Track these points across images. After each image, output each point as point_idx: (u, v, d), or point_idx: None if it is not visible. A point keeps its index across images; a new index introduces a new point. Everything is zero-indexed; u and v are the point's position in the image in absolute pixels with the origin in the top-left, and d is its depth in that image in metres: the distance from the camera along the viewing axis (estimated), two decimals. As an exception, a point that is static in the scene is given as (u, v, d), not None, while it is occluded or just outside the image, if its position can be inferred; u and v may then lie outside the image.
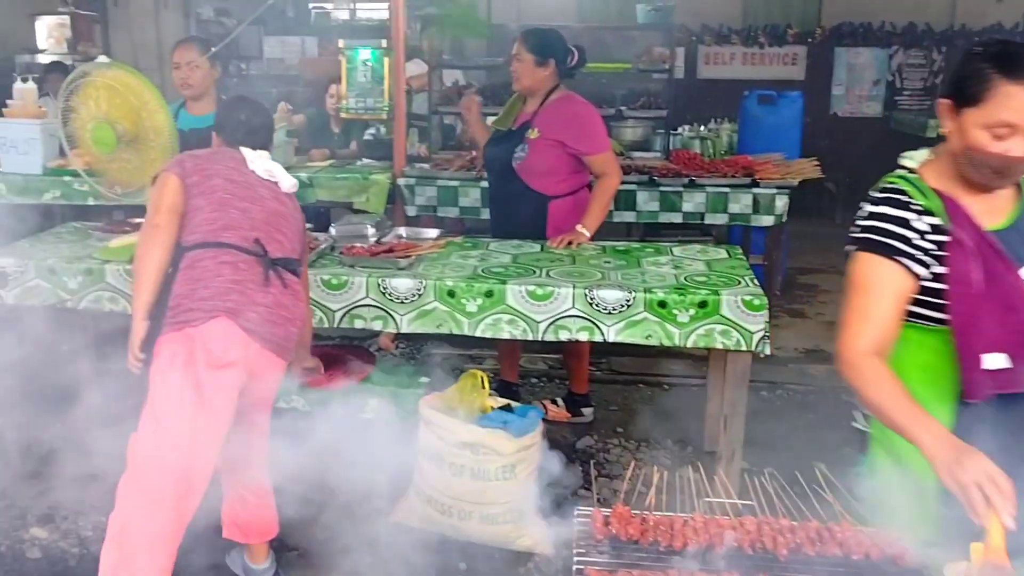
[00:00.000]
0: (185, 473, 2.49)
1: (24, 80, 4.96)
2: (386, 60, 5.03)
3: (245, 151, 2.85)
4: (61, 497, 3.50)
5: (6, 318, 3.34)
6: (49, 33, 9.29)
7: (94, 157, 3.68)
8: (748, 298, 3.16)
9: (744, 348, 3.19)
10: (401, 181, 5.16)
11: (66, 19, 9.13)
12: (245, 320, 2.56)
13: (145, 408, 2.52)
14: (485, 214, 4.82)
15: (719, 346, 3.22)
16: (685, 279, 3.37)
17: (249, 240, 2.66)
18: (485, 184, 4.71)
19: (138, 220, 3.89)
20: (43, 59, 8.82)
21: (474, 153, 5.27)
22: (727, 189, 5.25)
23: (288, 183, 2.89)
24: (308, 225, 3.94)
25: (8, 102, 5.26)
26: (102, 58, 3.78)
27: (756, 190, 5.25)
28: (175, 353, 2.50)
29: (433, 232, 3.97)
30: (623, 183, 5.14)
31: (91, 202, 5.13)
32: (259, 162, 2.82)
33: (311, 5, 10.37)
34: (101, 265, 3.46)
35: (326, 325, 3.40)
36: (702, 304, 3.17)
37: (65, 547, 3.18)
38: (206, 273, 2.57)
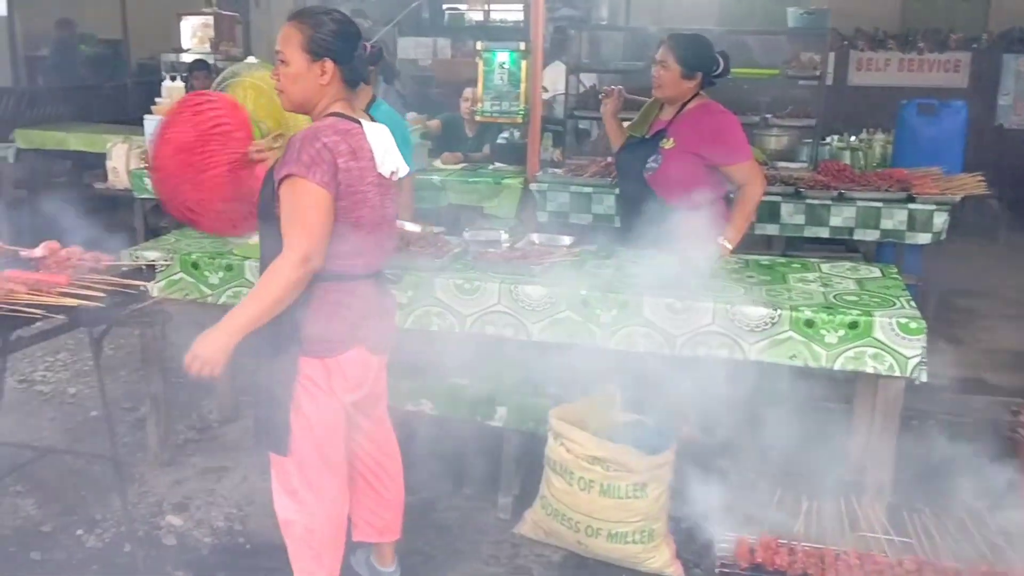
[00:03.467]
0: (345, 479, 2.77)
1: (173, 79, 5.29)
2: (523, 63, 5.11)
3: (371, 141, 2.60)
4: (195, 487, 3.70)
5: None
6: (193, 33, 9.86)
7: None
8: (904, 320, 3.06)
9: (898, 373, 3.08)
10: (533, 186, 5.22)
11: (210, 19, 9.68)
12: (373, 344, 2.69)
13: (298, 425, 2.60)
14: (619, 222, 4.81)
15: (870, 370, 3.12)
16: (835, 298, 3.29)
17: (378, 267, 2.74)
18: (617, 191, 4.71)
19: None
20: (186, 58, 9.36)
21: (609, 159, 5.28)
22: (880, 204, 5.08)
23: (403, 169, 2.74)
24: (441, 229, 4.06)
25: (156, 99, 5.62)
26: (251, 59, 3.98)
27: (912, 206, 5.06)
28: (314, 379, 2.59)
29: (567, 239, 4.00)
30: (767, 193, 5.07)
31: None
32: (387, 159, 2.64)
33: (445, 6, 10.62)
34: (241, 261, 3.64)
35: (456, 330, 3.47)
36: (853, 325, 3.09)
37: (198, 536, 3.36)
38: (339, 307, 2.58)
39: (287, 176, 2.44)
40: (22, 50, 9.88)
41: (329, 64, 2.53)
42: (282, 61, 2.56)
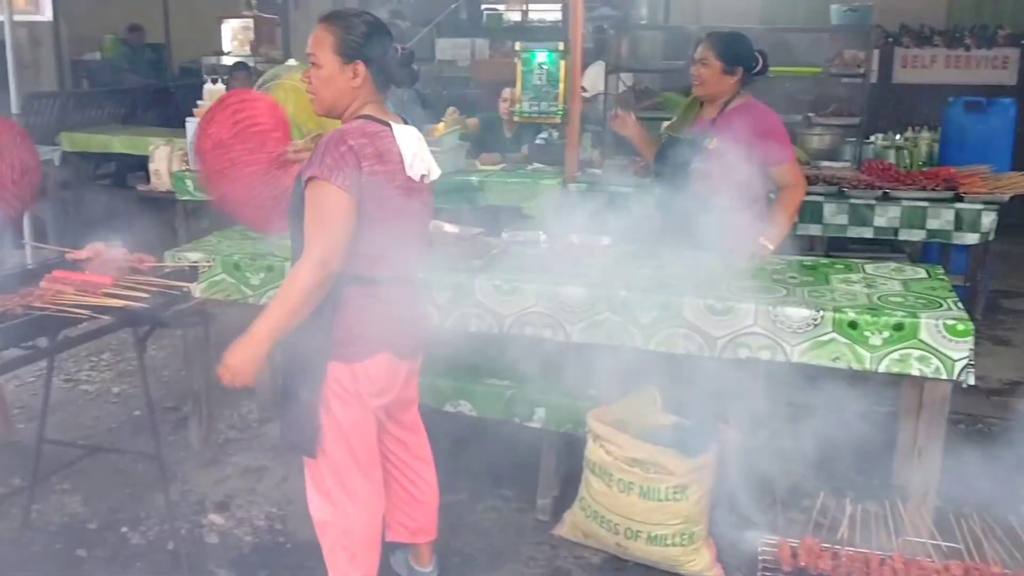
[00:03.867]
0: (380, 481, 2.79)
1: (215, 81, 5.36)
2: (562, 63, 5.11)
3: (400, 144, 2.55)
4: (237, 486, 3.76)
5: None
6: (234, 36, 10.00)
7: (279, 157, 3.92)
8: (951, 322, 3.01)
9: (944, 376, 3.04)
10: (572, 187, 5.21)
11: (250, 22, 9.81)
12: (401, 349, 2.69)
13: (329, 428, 2.61)
14: (659, 222, 4.79)
15: (916, 373, 3.08)
16: (879, 299, 3.25)
17: (407, 271, 2.71)
18: (658, 191, 4.68)
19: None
20: (227, 61, 9.49)
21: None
22: (925, 203, 5.01)
23: (435, 172, 2.74)
24: (479, 229, 4.08)
25: (198, 102, 5.70)
26: (291, 61, 4.03)
27: (959, 205, 4.98)
28: (342, 383, 2.59)
29: (606, 240, 3.99)
30: (809, 193, 5.02)
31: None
32: (416, 162, 2.61)
33: (483, 6, 10.64)
34: (282, 263, 3.68)
35: (495, 331, 3.48)
36: (898, 327, 3.05)
37: (240, 535, 3.41)
38: (365, 311, 2.56)
39: (311, 178, 2.45)
40: (68, 54, 10.09)
41: (361, 66, 2.52)
42: (314, 64, 2.56)
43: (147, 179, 6.45)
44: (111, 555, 3.29)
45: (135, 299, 2.94)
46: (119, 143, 7.43)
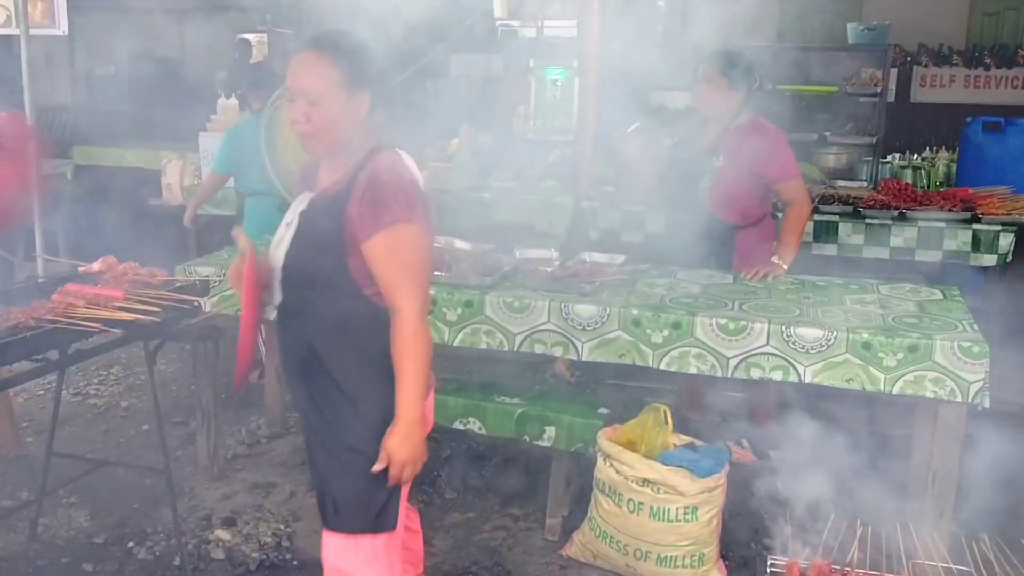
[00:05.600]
0: None
1: (228, 96, 5.43)
2: (576, 80, 5.15)
3: (415, 173, 2.40)
4: (244, 502, 3.78)
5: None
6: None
7: (293, 171, 3.97)
8: (966, 344, 3.02)
9: (959, 399, 3.04)
10: (585, 204, 5.24)
11: (264, 37, 9.91)
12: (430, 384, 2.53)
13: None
14: (670, 241, 4.81)
15: (930, 395, 3.08)
16: (893, 320, 3.26)
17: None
18: (667, 210, 4.71)
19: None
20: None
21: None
22: (942, 224, 5.02)
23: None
24: (490, 246, 4.11)
25: (211, 117, 5.77)
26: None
27: (977, 226, 4.99)
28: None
29: (619, 258, 4.01)
30: (824, 213, 5.05)
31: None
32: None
33: (498, 22, 10.69)
34: (293, 277, 3.71)
35: (506, 348, 3.49)
36: (912, 348, 3.06)
37: (247, 551, 3.42)
38: None
39: (391, 223, 2.20)
40: (82, 68, 10.22)
41: (366, 95, 2.27)
42: (310, 103, 2.24)
43: (159, 193, 6.52)
44: (117, 570, 3.31)
45: (146, 313, 2.98)
46: (132, 157, 7.51)
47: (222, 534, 3.52)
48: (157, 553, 3.41)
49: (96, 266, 3.32)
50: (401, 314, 2.24)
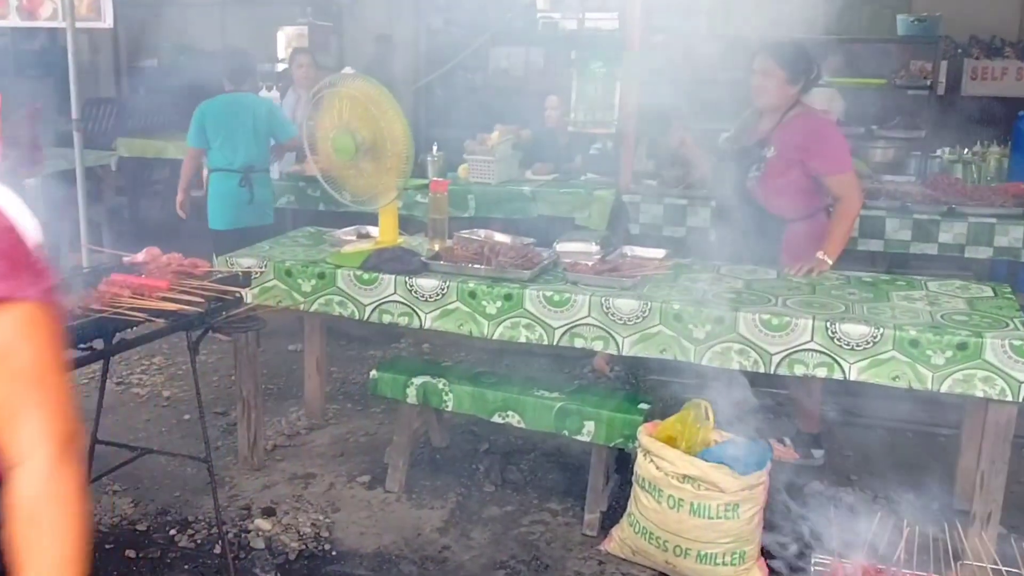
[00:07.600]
0: None
1: (269, 89, 5.49)
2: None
3: None
4: (283, 492, 3.83)
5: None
6: (288, 43, 10.16)
7: (332, 164, 4.00)
8: (1017, 343, 2.97)
9: (1009, 398, 3.00)
10: (626, 197, 5.23)
11: (304, 30, 9.97)
12: None
13: None
14: (715, 235, 4.79)
15: (979, 394, 3.04)
16: (942, 317, 3.22)
17: None
18: (714, 204, 4.69)
19: (370, 227, 4.20)
20: (280, 67, 9.66)
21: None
22: (993, 219, 4.94)
23: None
24: (531, 240, 4.12)
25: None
26: (347, 69, 4.11)
27: (1030, 222, 4.91)
28: None
29: (660, 252, 4.00)
30: (870, 208, 4.99)
31: (321, 208, 5.60)
32: None
33: (539, 14, 10.68)
34: (334, 270, 3.76)
35: (545, 342, 3.51)
36: (961, 346, 3.02)
37: (286, 540, 3.47)
38: None
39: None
40: (125, 61, 10.36)
41: None
42: None
43: (200, 184, 6.60)
44: (159, 557, 3.37)
45: (189, 303, 3.02)
46: (174, 149, 7.60)
47: (262, 524, 3.57)
48: (198, 541, 3.47)
49: (140, 256, 3.37)
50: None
